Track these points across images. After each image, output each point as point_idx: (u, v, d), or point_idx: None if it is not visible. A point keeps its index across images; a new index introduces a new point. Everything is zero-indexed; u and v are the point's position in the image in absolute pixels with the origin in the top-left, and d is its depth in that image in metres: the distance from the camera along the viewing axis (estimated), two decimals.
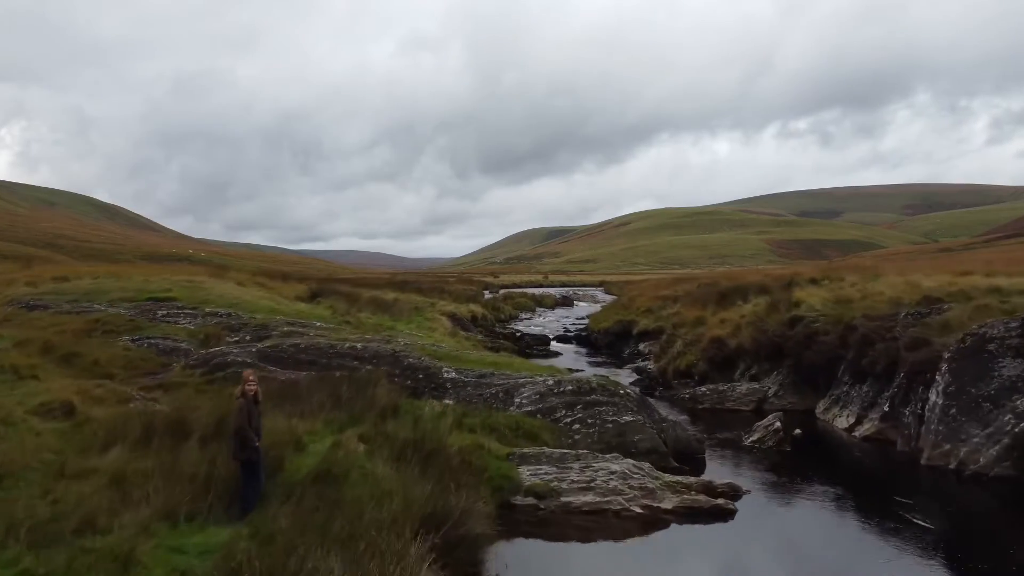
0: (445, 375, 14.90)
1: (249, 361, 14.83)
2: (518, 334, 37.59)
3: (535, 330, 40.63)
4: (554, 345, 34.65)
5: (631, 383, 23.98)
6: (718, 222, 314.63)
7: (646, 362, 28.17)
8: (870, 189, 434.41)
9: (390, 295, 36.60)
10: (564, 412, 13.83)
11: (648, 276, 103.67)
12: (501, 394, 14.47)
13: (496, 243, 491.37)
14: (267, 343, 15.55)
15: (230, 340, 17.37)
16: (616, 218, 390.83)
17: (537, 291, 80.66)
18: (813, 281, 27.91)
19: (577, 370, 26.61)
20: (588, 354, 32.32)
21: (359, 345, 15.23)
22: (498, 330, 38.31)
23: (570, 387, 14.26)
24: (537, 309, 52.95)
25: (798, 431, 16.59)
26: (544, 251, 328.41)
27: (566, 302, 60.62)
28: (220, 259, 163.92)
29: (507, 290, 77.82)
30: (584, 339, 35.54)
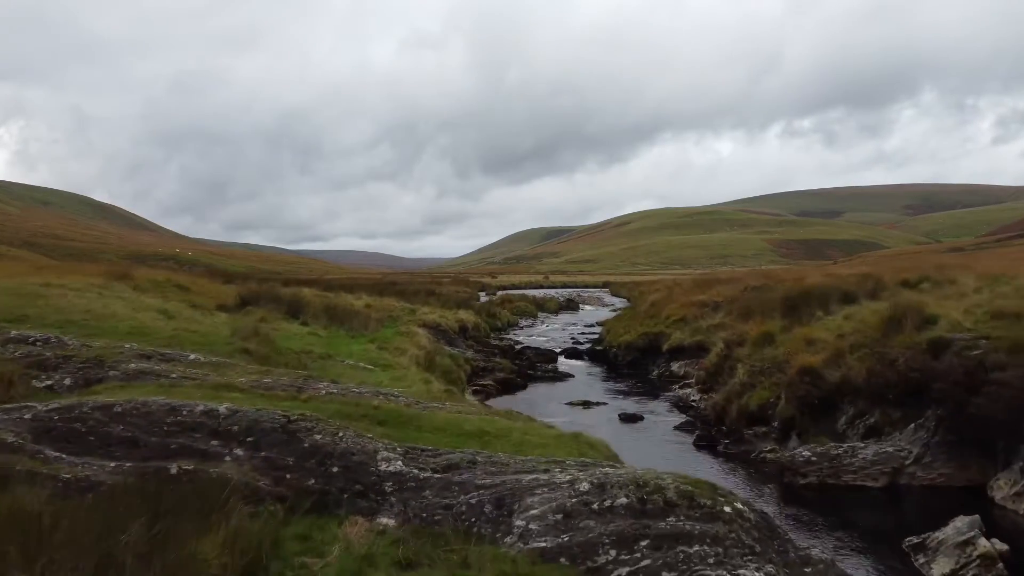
0: (383, 467, 7.77)
1: (12, 439, 7.73)
2: (518, 347, 30.55)
3: (538, 341, 33.55)
4: (563, 362, 27.61)
5: (676, 426, 16.92)
6: (718, 222, 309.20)
7: (686, 390, 21.16)
8: (870, 189, 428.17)
9: (362, 300, 29.51)
10: (614, 552, 6.73)
11: (660, 276, 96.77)
12: (488, 506, 7.36)
13: (495, 243, 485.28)
14: (58, 404, 8.42)
15: (40, 385, 10.25)
16: (615, 218, 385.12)
17: (538, 293, 73.64)
18: (906, 284, 20.92)
19: (598, 403, 19.56)
20: (606, 375, 25.28)
21: (223, 408, 8.12)
22: (494, 342, 31.22)
23: (623, 498, 7.14)
24: (539, 314, 45.87)
25: (1000, 545, 9.54)
26: (543, 251, 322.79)
27: (571, 306, 53.52)
28: (209, 259, 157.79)
29: (505, 292, 70.77)
30: (599, 355, 28.46)
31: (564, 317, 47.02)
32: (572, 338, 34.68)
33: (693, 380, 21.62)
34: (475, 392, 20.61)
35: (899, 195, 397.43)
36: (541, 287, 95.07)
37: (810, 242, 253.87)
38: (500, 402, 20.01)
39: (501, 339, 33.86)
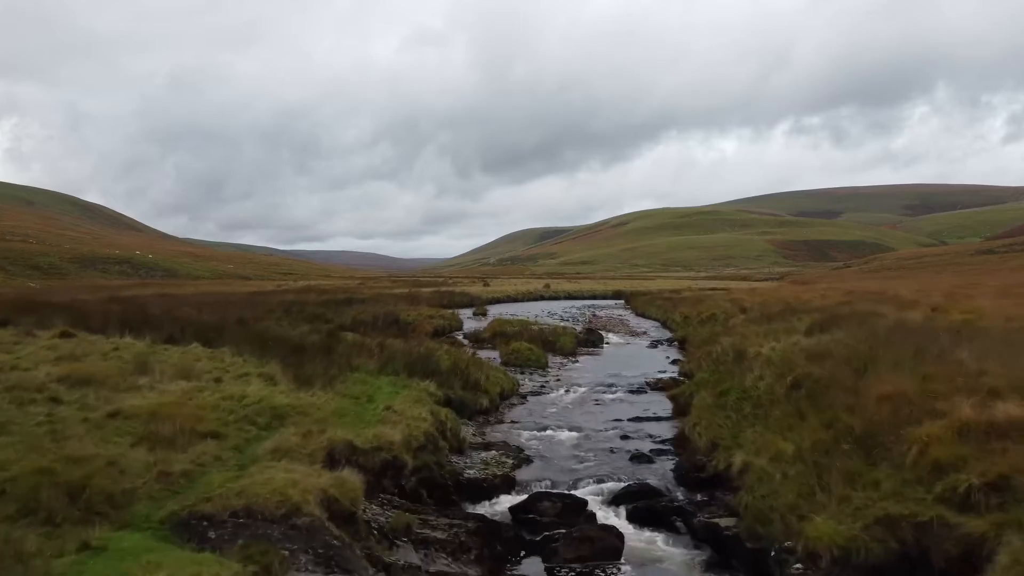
0: None
1: None
2: (518, 495, 13.11)
3: (558, 449, 16.11)
4: None
5: None
6: (717, 222, 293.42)
7: None
8: (869, 189, 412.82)
9: (147, 398, 11.97)
10: None
11: (671, 280, 79.43)
12: None
13: (490, 243, 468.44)
14: None
15: None
16: (613, 218, 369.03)
17: (538, 307, 56.22)
18: None
19: None
20: None
21: None
22: (466, 475, 13.61)
23: None
24: (550, 361, 28.34)
25: None
26: (539, 252, 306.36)
27: (592, 339, 35.91)
28: (174, 262, 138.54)
29: (498, 310, 53.19)
30: (730, 547, 10.79)
31: (588, 363, 29.42)
32: (623, 436, 17.21)
33: None
34: None
35: (898, 195, 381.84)
36: (542, 298, 77.55)
37: (813, 243, 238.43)
38: None
39: (486, 445, 16.32)
